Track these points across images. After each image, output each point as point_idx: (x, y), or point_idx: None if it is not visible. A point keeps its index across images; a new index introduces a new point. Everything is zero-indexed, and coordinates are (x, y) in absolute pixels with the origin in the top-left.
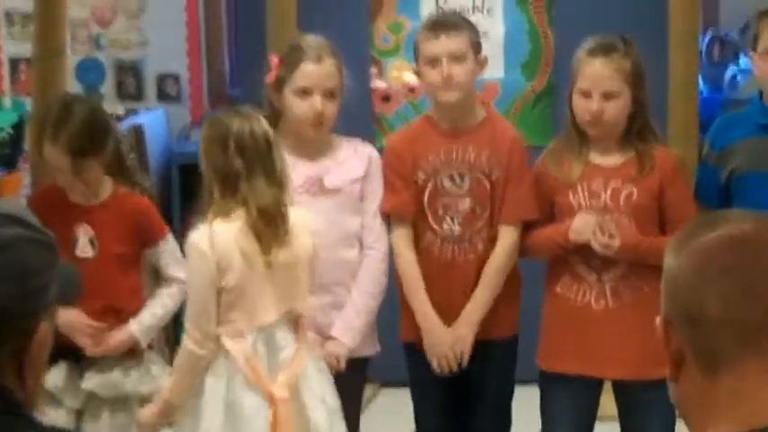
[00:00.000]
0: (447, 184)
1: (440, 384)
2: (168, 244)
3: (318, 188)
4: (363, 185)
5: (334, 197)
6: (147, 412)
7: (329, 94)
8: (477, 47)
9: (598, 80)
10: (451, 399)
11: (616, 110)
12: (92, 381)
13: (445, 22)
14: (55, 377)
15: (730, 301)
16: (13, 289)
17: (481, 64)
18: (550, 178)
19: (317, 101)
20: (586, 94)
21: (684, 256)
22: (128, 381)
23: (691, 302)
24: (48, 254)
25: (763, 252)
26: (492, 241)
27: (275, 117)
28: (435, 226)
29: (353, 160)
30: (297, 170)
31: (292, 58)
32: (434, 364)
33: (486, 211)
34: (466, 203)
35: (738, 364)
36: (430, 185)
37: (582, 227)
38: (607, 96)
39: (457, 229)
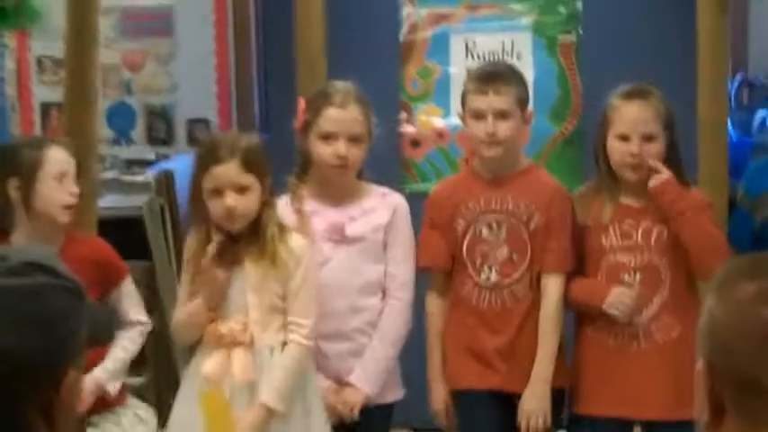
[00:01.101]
0: (485, 231)
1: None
2: (129, 285)
3: (341, 236)
4: (387, 233)
5: (357, 245)
6: (248, 423)
7: (354, 140)
8: (524, 102)
9: (638, 123)
10: None
11: (655, 151)
12: None
13: (495, 77)
14: None
15: None
16: (40, 341)
17: (527, 119)
18: (578, 221)
19: (341, 146)
20: (625, 138)
21: (727, 306)
22: (122, 430)
23: (742, 369)
24: (75, 301)
25: None
26: (531, 289)
27: (305, 162)
28: (474, 274)
29: (380, 209)
30: (321, 216)
31: (318, 103)
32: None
33: (525, 260)
34: (503, 252)
35: None
36: (469, 234)
37: (617, 302)
38: (646, 139)
39: (495, 277)
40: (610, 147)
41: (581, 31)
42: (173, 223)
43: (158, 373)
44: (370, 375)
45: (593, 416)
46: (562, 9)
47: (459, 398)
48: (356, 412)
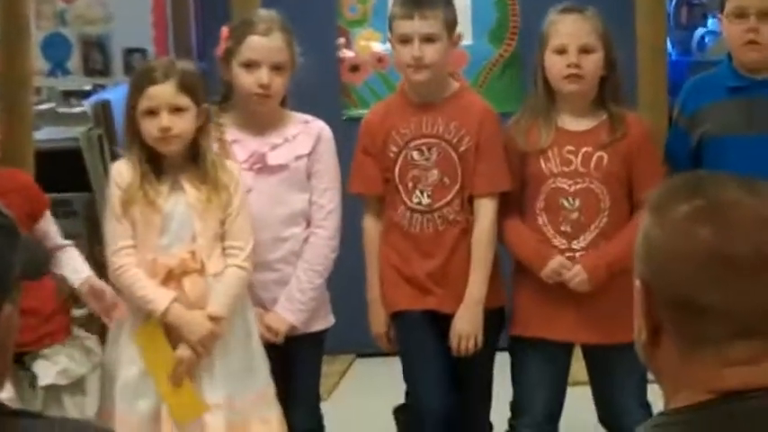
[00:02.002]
0: (416, 156)
1: (435, 351)
2: (49, 214)
3: (262, 165)
4: (310, 162)
5: (279, 174)
6: (206, 327)
7: (276, 68)
8: (451, 25)
9: (574, 35)
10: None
11: (594, 63)
12: (48, 376)
13: (421, 1)
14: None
15: (728, 295)
16: None
17: (455, 42)
18: (519, 148)
19: (263, 74)
20: (562, 50)
21: (663, 227)
22: (76, 364)
23: (678, 289)
24: (9, 236)
25: (742, 223)
26: (463, 213)
27: (227, 91)
28: (406, 198)
29: (302, 136)
30: (243, 145)
31: (240, 31)
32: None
33: (456, 182)
34: (434, 175)
35: (724, 349)
36: (401, 158)
37: (553, 275)
38: (584, 50)
39: (426, 200)
40: (547, 62)
41: None
42: (111, 154)
43: None
44: (294, 305)
45: (534, 339)
46: None
47: (397, 320)
48: (281, 338)
